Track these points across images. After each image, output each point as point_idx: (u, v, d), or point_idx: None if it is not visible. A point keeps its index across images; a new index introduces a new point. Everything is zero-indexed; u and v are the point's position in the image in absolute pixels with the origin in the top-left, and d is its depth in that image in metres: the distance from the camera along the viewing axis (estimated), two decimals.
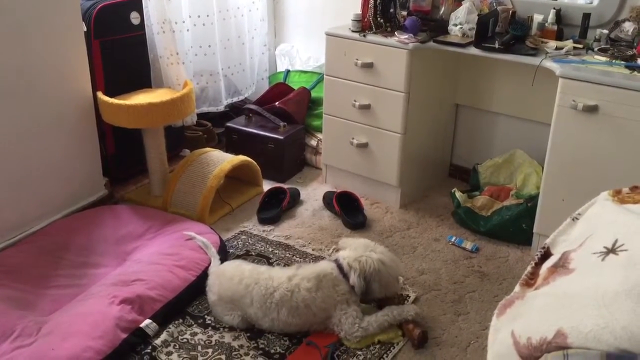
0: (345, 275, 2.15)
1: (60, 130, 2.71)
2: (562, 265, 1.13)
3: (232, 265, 2.29)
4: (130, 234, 2.63)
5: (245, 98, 3.83)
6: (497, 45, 2.59)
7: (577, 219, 1.27)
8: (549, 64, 2.45)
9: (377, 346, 2.13)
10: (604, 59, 2.47)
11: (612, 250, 1.05)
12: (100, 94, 2.81)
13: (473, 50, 2.66)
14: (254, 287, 2.14)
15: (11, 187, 2.54)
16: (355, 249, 2.20)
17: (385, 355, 2.10)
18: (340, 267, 2.17)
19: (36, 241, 2.54)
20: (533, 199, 2.70)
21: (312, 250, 2.69)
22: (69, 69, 2.70)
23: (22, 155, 2.56)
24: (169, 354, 2.07)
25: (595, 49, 2.56)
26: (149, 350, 2.07)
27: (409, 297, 2.39)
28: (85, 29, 2.78)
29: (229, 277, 2.21)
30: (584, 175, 2.41)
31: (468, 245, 2.74)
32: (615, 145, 2.31)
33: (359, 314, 2.15)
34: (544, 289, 1.10)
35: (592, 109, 2.31)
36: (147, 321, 2.14)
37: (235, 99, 3.77)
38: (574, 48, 2.59)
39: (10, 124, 2.49)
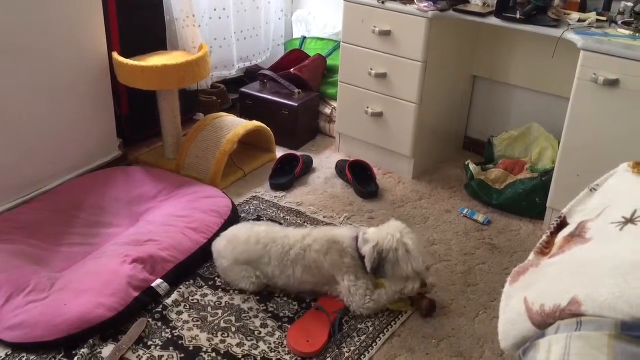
0: (359, 249, 2.12)
1: (76, 90, 2.70)
2: (578, 235, 1.12)
3: (245, 229, 2.27)
4: (143, 196, 2.65)
5: (256, 65, 3.80)
6: (518, 16, 2.54)
7: (595, 190, 1.26)
8: (570, 36, 2.41)
9: (386, 314, 2.14)
10: (627, 32, 2.42)
11: (630, 220, 1.04)
12: (115, 55, 2.80)
13: (493, 20, 2.62)
14: (272, 246, 2.16)
15: (27, 145, 2.54)
16: (383, 228, 2.14)
17: (393, 322, 2.11)
18: (356, 239, 2.14)
19: (50, 199, 2.56)
20: (548, 174, 2.67)
21: (324, 217, 2.70)
22: (85, 28, 2.68)
23: (37, 115, 2.56)
24: (179, 313, 2.09)
25: (619, 22, 2.51)
26: (160, 309, 2.09)
27: None
28: None
29: (244, 240, 2.21)
30: (601, 151, 2.38)
31: (480, 217, 2.73)
32: (636, 121, 2.28)
33: (370, 286, 2.13)
34: (559, 257, 1.10)
35: (612, 83, 2.27)
36: (159, 281, 2.16)
37: (247, 64, 3.74)
38: (597, 21, 2.54)
39: (26, 83, 2.48)
